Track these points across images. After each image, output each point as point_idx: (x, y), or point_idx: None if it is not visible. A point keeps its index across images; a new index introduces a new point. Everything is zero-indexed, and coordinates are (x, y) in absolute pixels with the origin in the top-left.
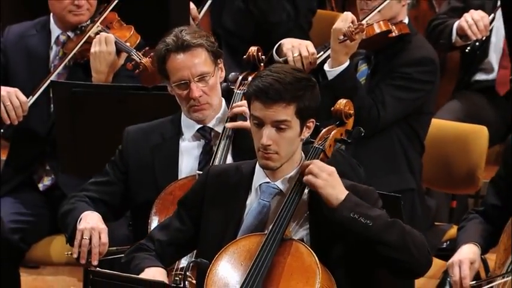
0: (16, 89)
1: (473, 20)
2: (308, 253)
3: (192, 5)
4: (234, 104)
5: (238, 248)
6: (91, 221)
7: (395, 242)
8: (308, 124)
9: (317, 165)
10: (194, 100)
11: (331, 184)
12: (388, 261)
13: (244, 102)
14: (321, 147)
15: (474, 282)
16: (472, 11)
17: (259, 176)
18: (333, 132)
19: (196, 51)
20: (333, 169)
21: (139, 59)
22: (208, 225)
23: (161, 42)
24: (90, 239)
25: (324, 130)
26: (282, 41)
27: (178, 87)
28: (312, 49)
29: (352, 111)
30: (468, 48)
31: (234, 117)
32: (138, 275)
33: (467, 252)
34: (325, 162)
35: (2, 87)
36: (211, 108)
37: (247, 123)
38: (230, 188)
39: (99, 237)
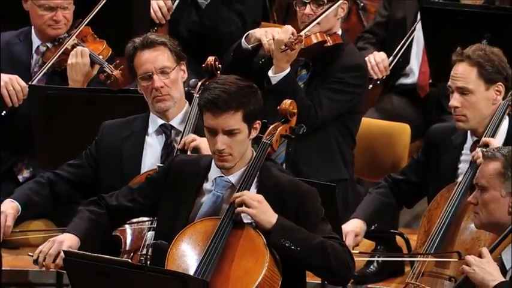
0: (16, 76)
1: (375, 62)
2: (258, 236)
3: (161, 3)
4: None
5: (195, 231)
6: (3, 206)
7: (319, 264)
8: (255, 126)
9: (248, 196)
10: (156, 90)
11: (263, 211)
12: (314, 274)
13: (194, 137)
14: (268, 142)
15: (356, 252)
16: (374, 53)
17: (215, 170)
18: (279, 129)
19: (159, 47)
20: (261, 197)
21: (111, 71)
22: (166, 207)
23: (130, 43)
24: None
25: (271, 127)
26: (250, 32)
27: (143, 79)
28: (286, 32)
29: (295, 111)
30: (370, 85)
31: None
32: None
33: (354, 226)
34: (272, 155)
35: (3, 75)
36: (172, 100)
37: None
38: (188, 177)
39: (5, 220)
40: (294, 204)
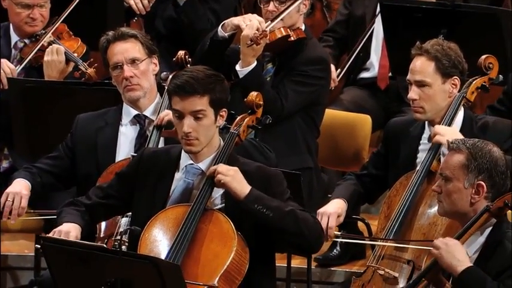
0: (5, 60)
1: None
2: (226, 221)
3: None
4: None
5: (167, 216)
6: (17, 187)
7: (291, 228)
8: (221, 113)
9: (223, 166)
10: (126, 80)
11: (237, 180)
12: (287, 243)
13: (168, 111)
14: (236, 132)
15: (339, 233)
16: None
17: (185, 158)
18: (245, 120)
19: (130, 40)
20: (236, 168)
21: (85, 69)
22: (141, 197)
23: (103, 36)
24: (13, 202)
25: (238, 118)
26: (225, 21)
27: (114, 70)
28: (260, 18)
29: (261, 102)
30: None
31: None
32: (58, 226)
33: (336, 207)
34: (239, 145)
35: None
36: (141, 90)
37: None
38: (160, 167)
39: (20, 202)
40: (261, 187)
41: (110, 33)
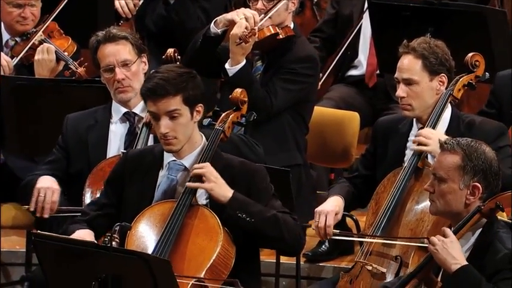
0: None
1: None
2: (212, 216)
3: None
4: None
5: (153, 213)
6: (47, 182)
7: (273, 234)
8: (197, 109)
9: (208, 170)
10: (118, 82)
11: (219, 185)
12: (268, 246)
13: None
14: (221, 128)
15: (337, 231)
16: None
17: (168, 155)
18: (230, 116)
19: (121, 41)
20: (217, 174)
21: (76, 68)
22: (128, 196)
23: (93, 37)
24: (45, 197)
25: (223, 114)
26: (218, 17)
27: (106, 72)
28: (254, 11)
29: (246, 99)
30: None
31: None
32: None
33: (333, 205)
34: (225, 141)
35: None
36: (133, 91)
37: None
38: (145, 166)
39: (52, 196)
40: (245, 183)
41: (100, 34)
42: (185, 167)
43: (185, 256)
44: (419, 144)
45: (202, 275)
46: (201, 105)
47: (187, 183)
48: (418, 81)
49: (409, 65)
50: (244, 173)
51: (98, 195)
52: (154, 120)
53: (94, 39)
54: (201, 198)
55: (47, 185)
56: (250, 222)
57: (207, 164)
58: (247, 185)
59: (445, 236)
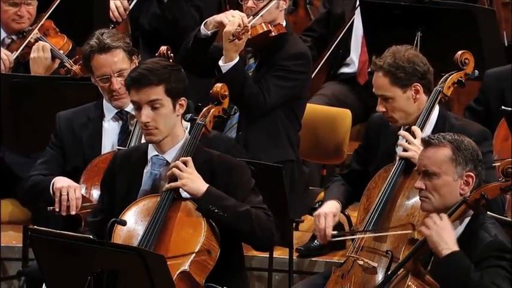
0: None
1: None
2: (195, 209)
3: (118, 3)
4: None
5: (138, 207)
6: (66, 181)
7: (244, 229)
8: (180, 102)
9: (178, 168)
10: (114, 91)
11: (191, 180)
12: (241, 241)
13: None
14: (202, 122)
15: (336, 232)
16: None
17: (151, 151)
18: (211, 110)
19: (115, 51)
20: (191, 169)
21: (71, 66)
22: (117, 194)
23: (86, 44)
24: (67, 195)
25: (204, 109)
26: (208, 19)
27: (101, 81)
28: (242, 13)
29: (227, 93)
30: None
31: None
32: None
33: (331, 207)
34: (207, 135)
35: None
36: (128, 97)
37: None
38: (132, 164)
39: (75, 193)
40: (223, 177)
41: (93, 42)
42: (167, 161)
43: (170, 248)
44: (404, 149)
45: (187, 266)
46: (184, 99)
47: (165, 186)
48: (392, 97)
49: (379, 82)
50: (223, 168)
51: (93, 191)
52: (137, 110)
53: (88, 49)
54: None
55: (67, 184)
56: (223, 217)
57: (177, 162)
58: (226, 179)
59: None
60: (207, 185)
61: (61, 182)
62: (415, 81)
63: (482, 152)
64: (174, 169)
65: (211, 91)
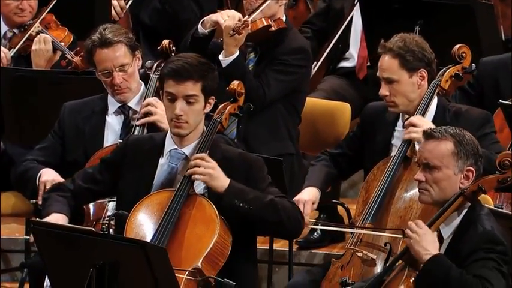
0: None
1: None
2: (209, 205)
3: (115, 2)
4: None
5: (151, 201)
6: (51, 175)
7: (271, 219)
8: (209, 100)
9: (205, 162)
10: (116, 86)
11: (216, 176)
12: (268, 231)
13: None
14: (218, 119)
15: (314, 220)
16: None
17: (169, 144)
18: (228, 108)
19: (117, 46)
20: (214, 164)
21: (72, 58)
22: (126, 183)
23: (88, 39)
24: None
25: (220, 106)
26: (205, 18)
27: (103, 75)
28: (239, 13)
29: (243, 91)
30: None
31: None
32: (46, 217)
33: (310, 194)
34: (221, 132)
35: None
36: (130, 92)
37: (153, 118)
38: (145, 153)
39: None
40: (242, 173)
41: (95, 37)
42: (186, 155)
43: (183, 245)
44: (410, 132)
45: (199, 263)
46: (213, 98)
47: (187, 171)
48: (397, 80)
49: (387, 64)
50: (242, 164)
51: None
52: (170, 102)
53: (90, 43)
54: (199, 187)
55: (52, 178)
56: (248, 209)
57: (205, 155)
58: (245, 175)
59: (417, 225)
60: (229, 180)
61: (46, 176)
62: (422, 67)
63: (487, 132)
64: (198, 161)
65: (227, 88)
